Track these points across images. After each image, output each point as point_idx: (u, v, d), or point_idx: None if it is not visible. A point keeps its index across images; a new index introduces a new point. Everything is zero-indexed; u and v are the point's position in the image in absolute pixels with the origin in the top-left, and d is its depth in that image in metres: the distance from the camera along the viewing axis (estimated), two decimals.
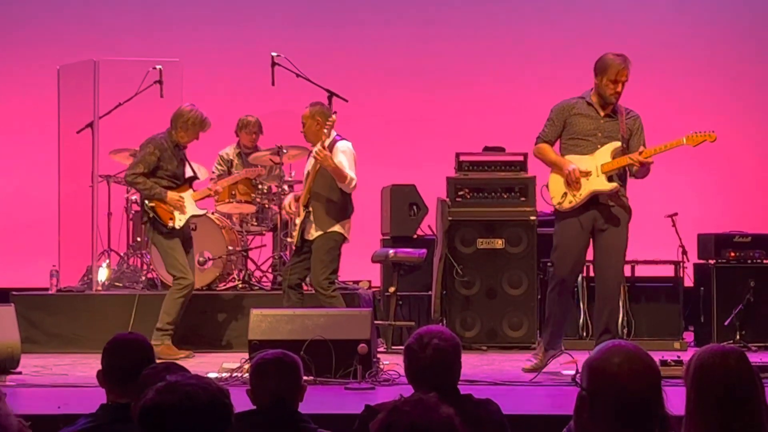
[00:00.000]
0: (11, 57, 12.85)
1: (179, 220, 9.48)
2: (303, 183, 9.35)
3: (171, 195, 9.45)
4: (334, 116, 8.96)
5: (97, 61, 11.10)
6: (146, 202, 9.48)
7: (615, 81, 7.99)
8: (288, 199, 9.45)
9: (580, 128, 8.10)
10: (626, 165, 8.00)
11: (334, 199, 9.10)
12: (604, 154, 8.03)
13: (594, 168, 8.00)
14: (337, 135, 9.13)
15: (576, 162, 8.03)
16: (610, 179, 8.02)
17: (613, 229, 8.05)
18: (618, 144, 8.03)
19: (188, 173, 9.71)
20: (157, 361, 8.24)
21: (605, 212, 8.05)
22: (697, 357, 3.42)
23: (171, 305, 9.40)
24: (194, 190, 9.67)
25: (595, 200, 8.02)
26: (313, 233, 9.09)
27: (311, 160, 9.16)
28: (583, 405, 2.97)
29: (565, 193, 8.06)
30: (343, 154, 8.98)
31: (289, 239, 9.67)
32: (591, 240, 8.12)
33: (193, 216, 9.62)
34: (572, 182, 7.99)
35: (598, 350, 3.07)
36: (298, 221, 9.17)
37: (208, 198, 10.16)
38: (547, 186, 8.28)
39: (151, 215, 9.45)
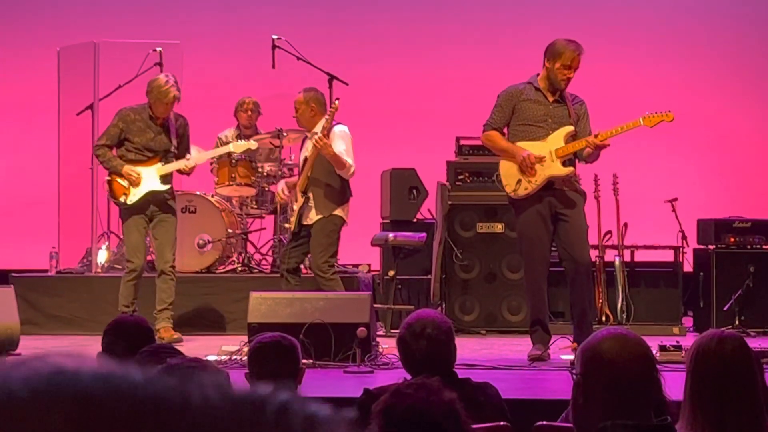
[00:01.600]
0: (11, 39, 12.84)
1: (133, 195, 9.04)
2: (299, 168, 9.35)
3: (126, 168, 9.02)
4: (336, 103, 8.95)
5: (97, 43, 11.09)
6: (106, 176, 9.23)
7: (569, 67, 7.91)
8: (280, 186, 9.39)
9: (530, 114, 8.04)
10: (581, 149, 7.94)
11: (333, 184, 9.10)
12: (557, 138, 7.97)
13: (548, 153, 7.95)
14: (337, 122, 9.16)
15: (528, 148, 7.98)
16: (564, 164, 7.99)
17: (573, 214, 7.99)
18: (571, 128, 7.96)
19: (169, 146, 9.19)
20: None
21: (561, 197, 7.99)
22: (697, 343, 3.43)
23: (122, 289, 9.07)
24: (164, 165, 9.14)
25: (549, 186, 7.95)
26: (313, 217, 9.09)
27: (308, 146, 9.16)
28: (578, 390, 2.98)
29: (520, 180, 7.98)
30: (342, 140, 8.98)
31: (287, 225, 9.61)
32: (553, 221, 8.08)
33: (152, 192, 9.06)
34: (527, 168, 7.92)
35: (591, 336, 3.08)
36: (296, 207, 9.17)
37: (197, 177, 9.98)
38: (497, 175, 8.27)
39: (107, 189, 9.20)
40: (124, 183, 9.03)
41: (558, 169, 7.95)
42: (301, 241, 9.17)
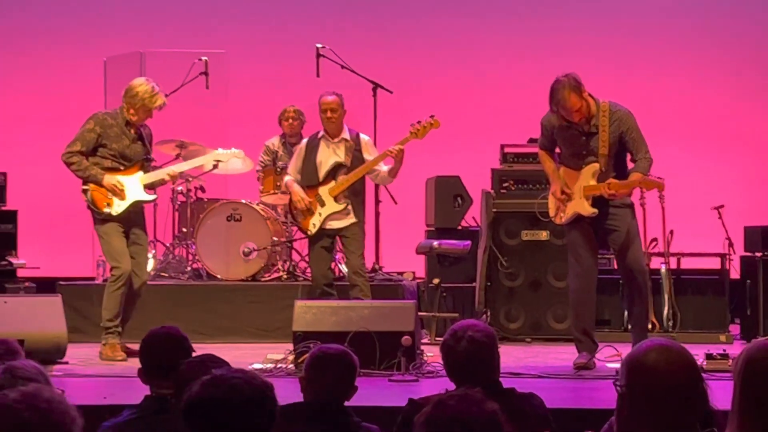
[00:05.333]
0: (59, 49, 12.94)
1: (117, 206, 8.57)
2: (326, 172, 9.29)
3: (108, 179, 8.53)
4: (434, 119, 9.06)
5: (143, 52, 11.18)
6: (82, 185, 8.65)
7: (567, 110, 7.80)
8: (300, 193, 9.38)
9: (566, 146, 8.05)
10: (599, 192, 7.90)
11: (363, 189, 9.37)
12: (587, 175, 7.95)
13: (579, 189, 7.97)
14: (352, 129, 9.28)
15: (567, 177, 8.05)
16: (596, 203, 7.93)
17: (622, 224, 7.99)
18: (597, 166, 7.89)
19: (143, 154, 8.77)
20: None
21: (607, 210, 7.98)
22: (745, 352, 3.39)
23: (108, 300, 8.64)
24: (145, 173, 8.74)
25: (594, 199, 7.98)
26: (346, 222, 9.25)
27: (339, 152, 9.22)
28: (623, 402, 2.96)
29: (558, 209, 8.12)
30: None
31: (310, 230, 9.43)
32: (602, 233, 8.08)
33: (139, 201, 8.69)
34: (558, 201, 8.07)
35: (635, 348, 3.07)
36: (323, 211, 9.21)
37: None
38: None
39: (86, 198, 8.61)
40: (107, 192, 8.58)
41: (583, 209, 7.98)
42: (322, 248, 9.27)
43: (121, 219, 8.65)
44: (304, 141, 9.54)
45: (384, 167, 9.22)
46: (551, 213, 8.22)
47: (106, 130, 8.59)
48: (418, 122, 9.06)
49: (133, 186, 8.65)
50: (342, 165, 9.24)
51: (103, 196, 8.57)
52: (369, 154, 9.24)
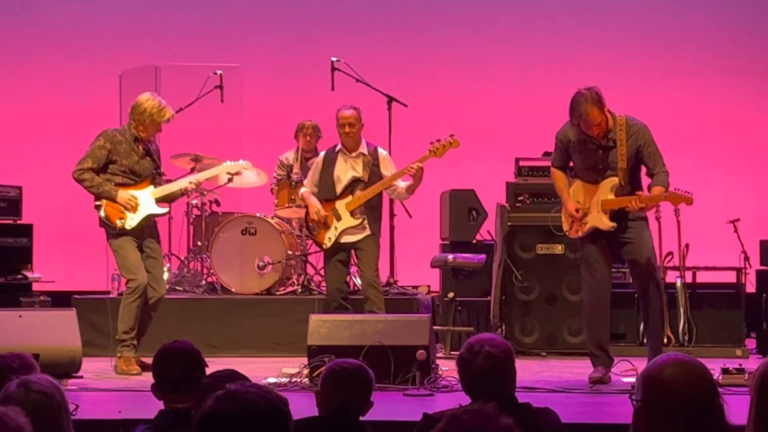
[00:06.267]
0: (75, 63, 12.97)
1: (131, 220, 8.64)
2: (343, 187, 9.27)
3: (121, 194, 8.61)
4: (454, 139, 9.04)
5: (158, 66, 11.20)
6: (95, 201, 8.72)
7: (588, 123, 7.80)
8: (316, 206, 9.37)
9: (582, 160, 8.04)
10: (626, 206, 7.89)
11: (379, 204, 9.31)
12: (605, 189, 7.94)
13: (596, 203, 7.96)
14: (370, 143, 9.27)
15: (582, 192, 8.04)
16: (612, 217, 7.93)
17: (637, 237, 7.99)
18: (616, 180, 7.90)
19: (152, 169, 8.85)
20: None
21: (622, 223, 7.98)
22: (762, 366, 3.38)
23: (124, 312, 8.71)
24: (156, 187, 8.82)
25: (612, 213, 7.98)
26: (361, 236, 9.20)
27: (357, 167, 9.19)
28: (639, 417, 2.95)
29: (573, 222, 8.11)
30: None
31: (326, 243, 9.40)
32: (616, 247, 8.07)
33: (152, 215, 8.79)
34: (576, 220, 8.05)
35: (652, 362, 3.06)
36: (338, 225, 9.19)
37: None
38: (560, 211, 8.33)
39: (99, 214, 8.68)
40: (120, 207, 8.65)
41: (602, 223, 7.98)
42: (338, 261, 9.23)
43: (134, 233, 8.73)
44: (322, 154, 9.53)
45: (402, 183, 9.19)
46: (565, 227, 8.20)
47: (116, 146, 8.68)
48: (438, 141, 9.04)
49: (145, 200, 8.74)
50: (360, 180, 9.22)
51: (117, 210, 8.66)
52: (387, 170, 9.20)
